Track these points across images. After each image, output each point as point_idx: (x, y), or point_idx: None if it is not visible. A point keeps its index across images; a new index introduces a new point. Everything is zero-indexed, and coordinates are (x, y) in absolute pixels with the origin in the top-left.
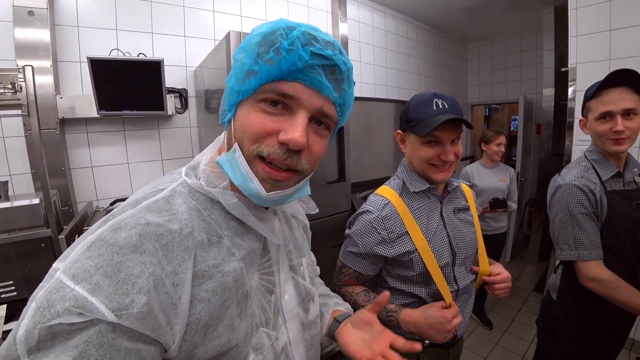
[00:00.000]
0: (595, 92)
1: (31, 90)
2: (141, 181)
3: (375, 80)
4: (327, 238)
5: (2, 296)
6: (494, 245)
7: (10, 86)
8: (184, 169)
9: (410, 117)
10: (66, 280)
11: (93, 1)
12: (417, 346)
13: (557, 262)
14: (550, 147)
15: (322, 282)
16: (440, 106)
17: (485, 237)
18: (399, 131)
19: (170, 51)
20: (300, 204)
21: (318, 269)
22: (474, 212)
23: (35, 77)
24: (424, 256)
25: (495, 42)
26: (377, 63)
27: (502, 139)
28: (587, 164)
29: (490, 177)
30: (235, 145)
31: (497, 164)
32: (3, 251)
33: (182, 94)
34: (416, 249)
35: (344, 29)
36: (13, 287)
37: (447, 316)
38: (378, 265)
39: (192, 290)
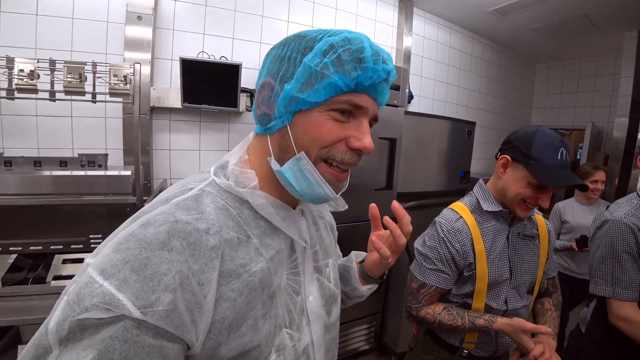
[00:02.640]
0: None
1: (137, 83)
2: (208, 166)
3: (434, 95)
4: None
5: (92, 246)
6: (580, 290)
7: (123, 79)
8: (212, 169)
9: (531, 154)
10: (95, 276)
11: (187, 9)
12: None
13: (590, 296)
14: (617, 181)
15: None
16: (565, 158)
17: (572, 279)
18: (507, 156)
19: (247, 55)
20: (330, 203)
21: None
22: (543, 243)
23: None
24: (479, 273)
25: (567, 64)
26: (437, 78)
27: (600, 176)
28: (639, 202)
29: (585, 215)
30: (302, 154)
31: (598, 200)
32: (100, 210)
33: (252, 94)
34: (475, 265)
35: (408, 42)
36: (101, 240)
37: (529, 346)
38: (456, 277)
39: (218, 289)
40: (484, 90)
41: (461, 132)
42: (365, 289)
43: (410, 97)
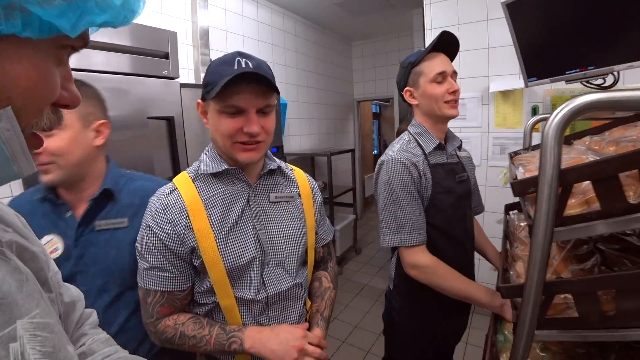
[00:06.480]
0: (425, 55)
1: None
2: None
3: None
4: None
5: None
6: None
7: None
8: None
9: (207, 81)
10: None
11: None
12: None
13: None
14: None
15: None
16: (244, 65)
17: None
18: (199, 101)
19: None
20: None
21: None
22: (307, 202)
23: None
24: (207, 259)
25: (376, 41)
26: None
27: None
28: (410, 137)
29: None
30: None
31: None
32: None
33: None
34: (200, 250)
35: (203, 16)
36: None
37: (299, 333)
38: (187, 272)
39: None
40: (302, 67)
41: None
42: None
43: None
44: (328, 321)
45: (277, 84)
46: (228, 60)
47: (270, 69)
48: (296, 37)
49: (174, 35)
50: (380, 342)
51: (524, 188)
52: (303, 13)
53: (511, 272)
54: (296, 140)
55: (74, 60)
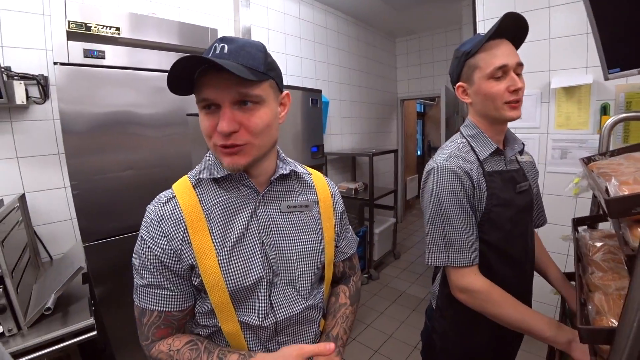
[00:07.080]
0: (483, 44)
1: None
2: None
3: (287, 70)
4: None
5: None
6: None
7: None
8: None
9: None
10: None
11: None
12: None
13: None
14: None
15: None
16: (218, 51)
17: None
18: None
19: (21, 31)
20: None
21: None
22: (325, 211)
23: None
24: (207, 279)
25: (422, 37)
26: (289, 52)
27: None
28: (463, 140)
29: None
30: None
31: None
32: None
33: (39, 82)
34: (199, 268)
35: (245, 14)
36: None
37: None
38: (187, 290)
39: None
40: (344, 64)
41: (305, 102)
42: None
43: None
44: (336, 338)
45: (319, 82)
46: (209, 48)
47: (260, 51)
48: (338, 33)
49: (214, 32)
50: (414, 357)
51: (626, 207)
52: (345, 9)
53: (589, 307)
54: (337, 139)
55: (119, 60)
